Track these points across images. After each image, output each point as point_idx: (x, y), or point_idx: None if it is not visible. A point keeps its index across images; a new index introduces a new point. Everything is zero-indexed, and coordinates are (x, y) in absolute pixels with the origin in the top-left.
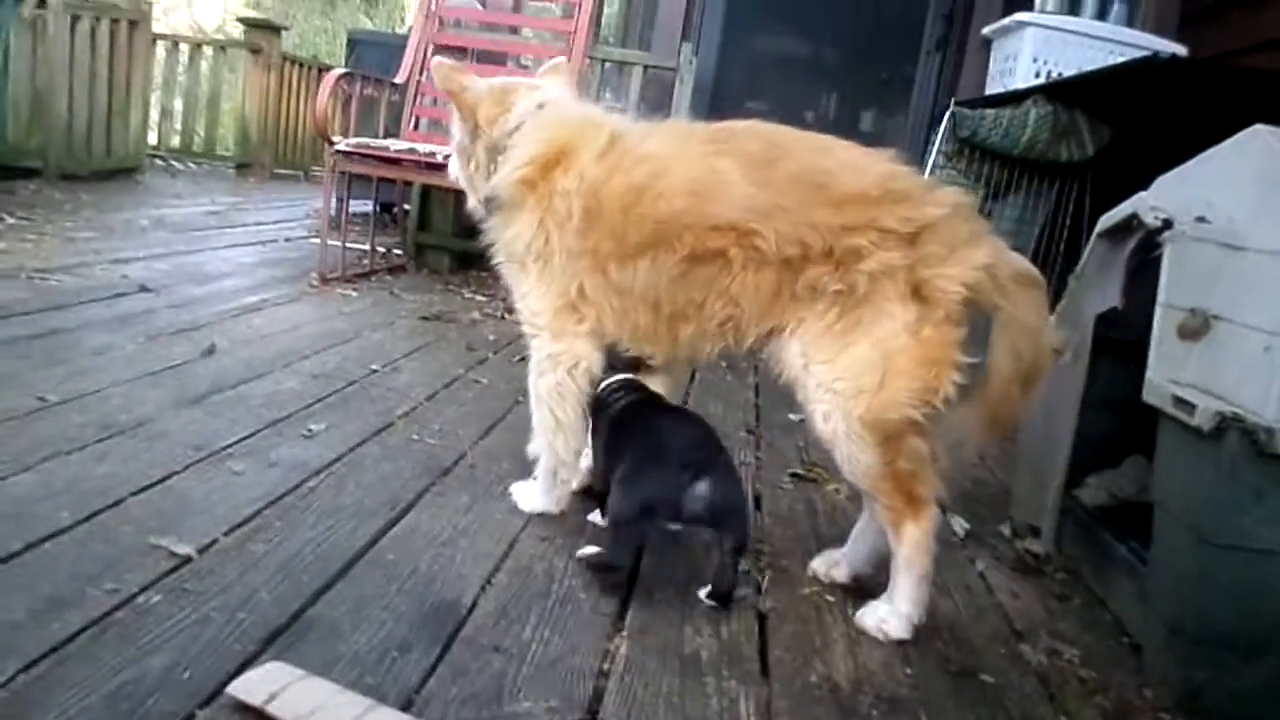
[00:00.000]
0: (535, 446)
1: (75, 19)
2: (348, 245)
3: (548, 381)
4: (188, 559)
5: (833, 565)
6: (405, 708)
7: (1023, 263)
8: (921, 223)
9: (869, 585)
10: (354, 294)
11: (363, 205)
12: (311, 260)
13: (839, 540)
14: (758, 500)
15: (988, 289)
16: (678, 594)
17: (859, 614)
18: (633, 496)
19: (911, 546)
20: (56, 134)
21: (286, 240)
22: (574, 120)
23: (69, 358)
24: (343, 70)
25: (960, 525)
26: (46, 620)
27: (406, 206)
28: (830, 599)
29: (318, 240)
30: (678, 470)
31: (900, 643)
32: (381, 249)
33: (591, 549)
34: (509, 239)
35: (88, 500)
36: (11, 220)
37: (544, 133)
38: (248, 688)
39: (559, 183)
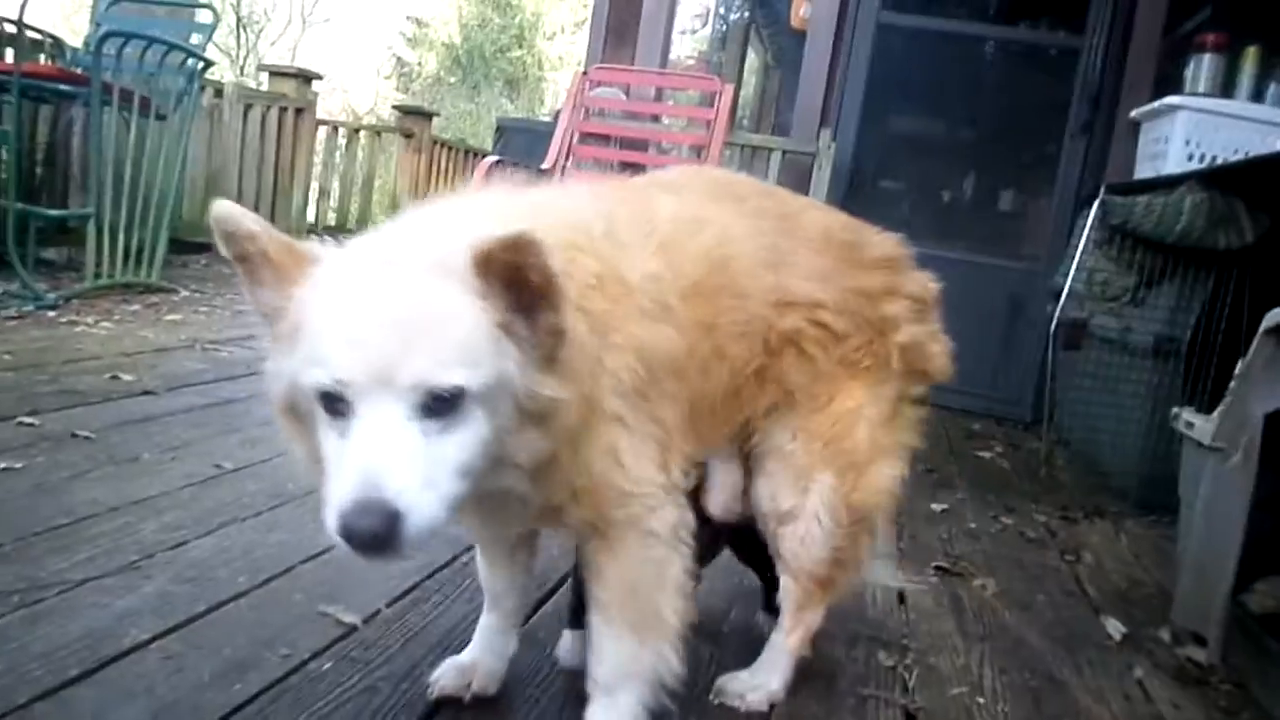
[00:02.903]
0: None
1: (248, 107)
2: None
3: (680, 562)
4: (354, 628)
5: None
6: None
7: None
8: (934, 292)
9: (1007, 682)
10: None
11: None
12: None
13: (987, 638)
14: (901, 594)
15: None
16: (824, 688)
17: (721, 680)
18: None
19: (805, 630)
20: None
21: None
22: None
23: (241, 427)
24: (494, 158)
25: (1116, 628)
26: (228, 682)
27: None
28: (981, 700)
29: None
30: None
31: None
32: None
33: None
34: (595, 392)
35: (261, 566)
36: (186, 293)
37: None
38: None
39: (630, 275)
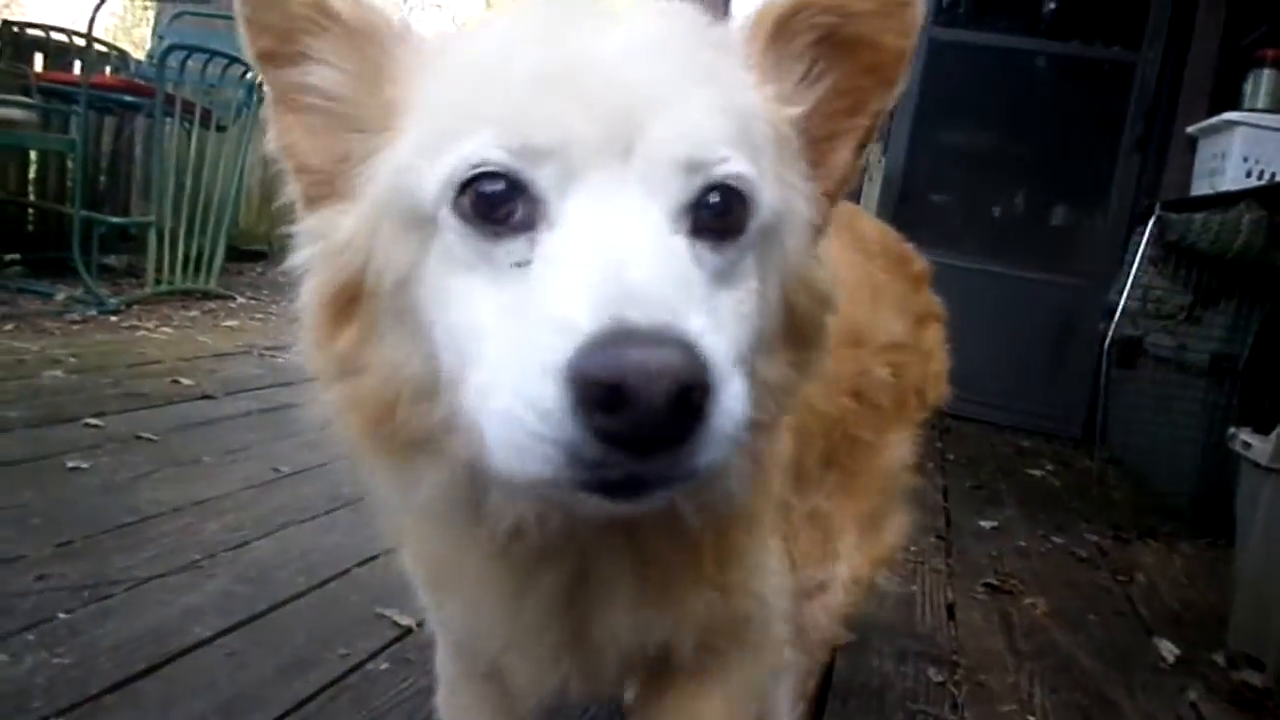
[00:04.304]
0: None
1: None
2: None
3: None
4: (409, 630)
5: None
6: None
7: None
8: (944, 312)
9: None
10: None
11: None
12: None
13: (1037, 657)
14: (950, 610)
15: None
16: (874, 702)
17: None
18: None
19: (808, 701)
20: (281, 220)
21: None
22: None
23: (297, 431)
24: None
25: (1170, 650)
26: (290, 679)
27: None
28: (1031, 719)
29: None
30: None
31: None
32: None
33: None
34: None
35: (319, 568)
36: (242, 299)
37: None
38: None
39: None
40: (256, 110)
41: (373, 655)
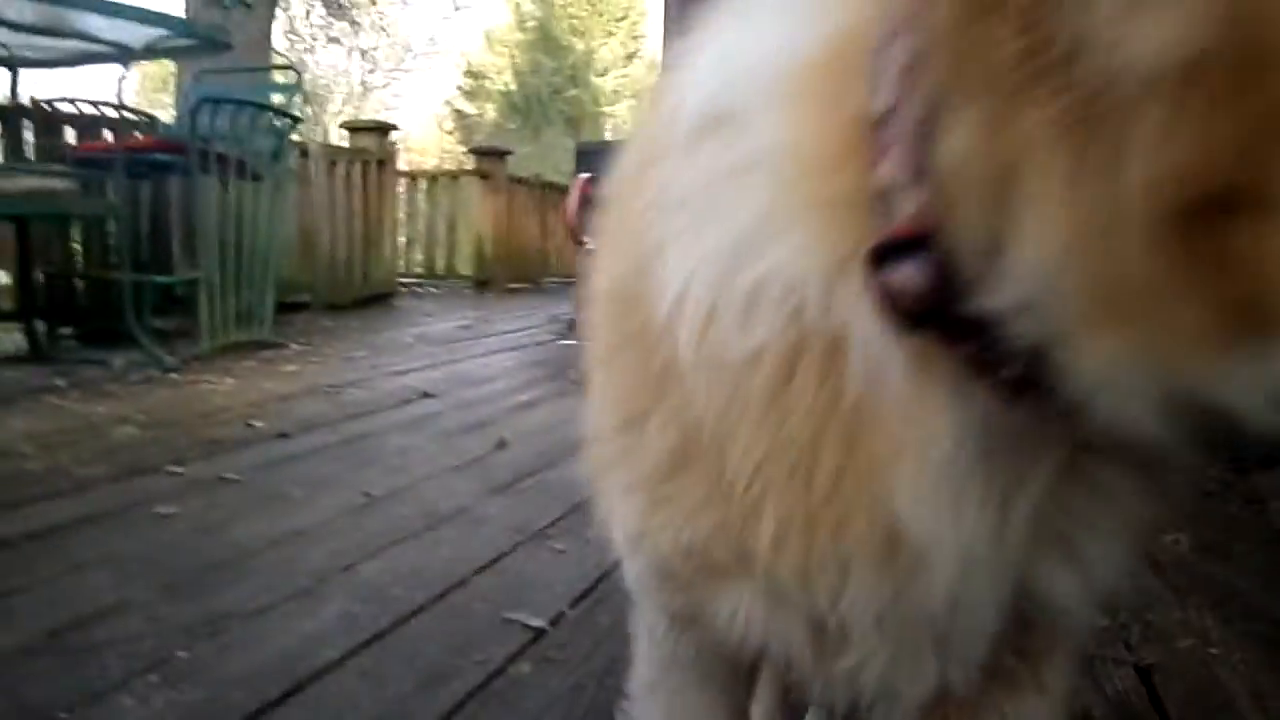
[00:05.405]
0: None
1: (332, 163)
2: None
3: None
4: (542, 631)
5: None
6: None
7: None
8: None
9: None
10: None
11: None
12: (566, 359)
13: (1196, 592)
14: None
15: None
16: None
17: None
18: None
19: None
20: (321, 268)
21: (537, 344)
22: None
23: (378, 458)
24: (587, 175)
25: None
26: (433, 690)
27: None
28: (1214, 651)
29: (566, 342)
30: None
31: None
32: None
33: None
34: None
35: (434, 581)
36: (296, 346)
37: None
38: None
39: None
40: (289, 157)
41: (512, 659)
